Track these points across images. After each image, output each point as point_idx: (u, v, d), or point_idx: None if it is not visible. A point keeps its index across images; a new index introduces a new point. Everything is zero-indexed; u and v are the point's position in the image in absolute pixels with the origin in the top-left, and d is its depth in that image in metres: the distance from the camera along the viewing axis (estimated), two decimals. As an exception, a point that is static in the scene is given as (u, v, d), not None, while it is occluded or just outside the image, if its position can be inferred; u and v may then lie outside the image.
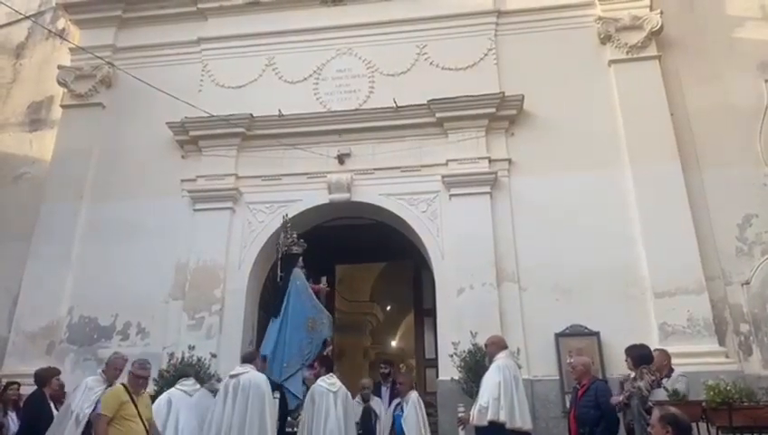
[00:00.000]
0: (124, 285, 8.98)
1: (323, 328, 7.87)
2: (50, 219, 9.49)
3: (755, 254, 8.15)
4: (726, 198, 8.38)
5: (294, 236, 8.38)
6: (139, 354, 8.44)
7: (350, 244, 10.63)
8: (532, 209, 8.61)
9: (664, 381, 5.92)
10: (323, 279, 8.52)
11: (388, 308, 19.09)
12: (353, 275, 15.94)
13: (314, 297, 8.03)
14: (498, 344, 6.66)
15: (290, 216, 8.79)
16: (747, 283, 8.01)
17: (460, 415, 6.44)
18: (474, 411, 6.17)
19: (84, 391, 6.14)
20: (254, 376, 6.17)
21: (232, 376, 6.25)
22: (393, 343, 20.41)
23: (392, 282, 16.04)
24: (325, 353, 7.56)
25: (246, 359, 6.52)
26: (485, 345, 6.79)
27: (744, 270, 8.10)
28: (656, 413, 4.00)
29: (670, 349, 7.18)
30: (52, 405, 6.65)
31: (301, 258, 8.25)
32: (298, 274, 8.03)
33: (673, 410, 4.06)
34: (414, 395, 7.38)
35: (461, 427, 6.40)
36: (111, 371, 6.38)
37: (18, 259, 9.36)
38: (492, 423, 5.99)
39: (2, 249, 9.63)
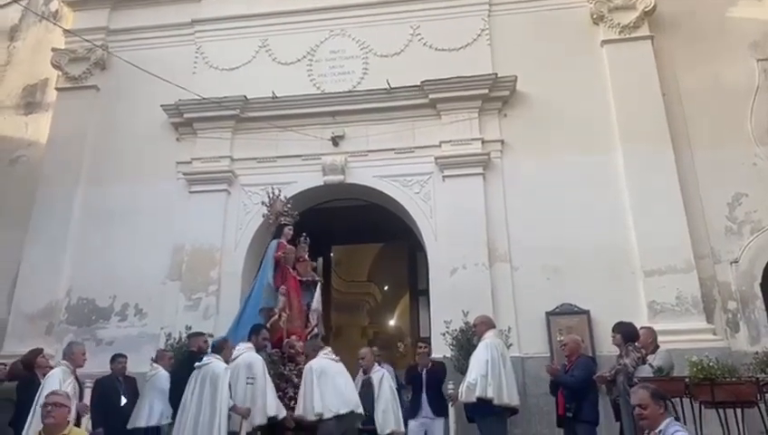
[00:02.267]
0: (121, 267, 9.08)
1: (262, 298, 7.43)
2: (47, 203, 9.55)
3: (744, 232, 8.25)
4: (717, 177, 8.47)
5: (288, 206, 8.09)
6: (137, 335, 8.72)
7: (345, 225, 10.72)
8: (524, 190, 8.70)
9: (649, 358, 6.04)
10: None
11: (386, 288, 19.21)
12: (351, 255, 16.04)
13: (269, 266, 7.60)
14: (486, 323, 6.80)
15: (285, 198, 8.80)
16: (736, 261, 8.12)
17: (449, 392, 6.57)
18: (462, 389, 6.29)
19: (60, 383, 6.05)
20: (215, 366, 6.08)
21: (197, 367, 6.22)
22: (391, 323, 20.56)
23: (390, 262, 16.15)
24: (267, 325, 7.09)
25: (215, 349, 6.46)
26: (474, 325, 6.92)
27: (734, 249, 8.20)
28: (643, 393, 3.93)
29: (659, 326, 7.33)
30: None
31: (288, 228, 7.88)
32: (272, 245, 7.73)
33: (655, 386, 4.15)
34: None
35: (450, 403, 6.53)
36: (79, 357, 6.45)
37: (16, 242, 9.43)
38: (480, 400, 6.13)
39: (0, 232, 9.69)
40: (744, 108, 8.75)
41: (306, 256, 8.12)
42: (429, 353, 7.73)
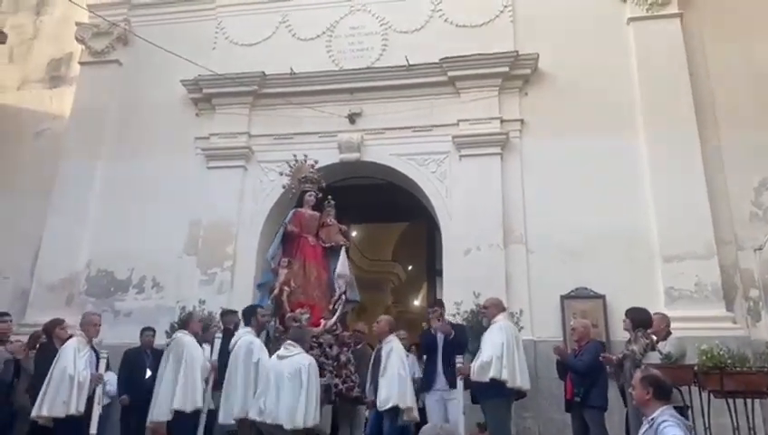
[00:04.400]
0: (140, 240, 9.19)
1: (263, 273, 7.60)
2: (69, 175, 9.69)
3: (771, 219, 7.97)
4: (744, 161, 8.16)
5: (312, 171, 7.96)
6: (154, 308, 8.86)
7: (362, 204, 10.61)
8: (542, 171, 8.53)
9: (660, 344, 5.90)
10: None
11: (410, 268, 19.17)
12: (376, 234, 16.00)
13: (275, 240, 7.69)
14: (498, 306, 6.67)
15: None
16: (760, 248, 7.84)
17: (459, 366, 6.48)
18: (474, 366, 6.17)
19: (75, 354, 6.27)
20: (179, 340, 6.36)
21: (167, 343, 6.53)
22: (416, 303, 20.57)
23: (414, 242, 16.04)
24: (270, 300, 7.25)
25: (180, 324, 6.71)
26: (484, 306, 6.77)
27: (758, 235, 7.90)
28: (637, 375, 4.02)
29: (676, 313, 7.18)
30: None
31: (308, 195, 7.84)
32: (288, 216, 7.76)
33: (654, 371, 4.06)
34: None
35: (459, 378, 6.43)
36: (91, 328, 6.56)
37: (40, 213, 9.59)
38: (493, 380, 6.03)
39: (24, 203, 9.87)
40: (776, 90, 8.39)
41: (330, 221, 7.99)
42: (442, 317, 7.03)
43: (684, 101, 8.37)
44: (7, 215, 9.88)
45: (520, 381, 6.21)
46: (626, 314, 6.27)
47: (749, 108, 8.37)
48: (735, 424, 5.31)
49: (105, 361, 6.54)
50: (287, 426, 5.43)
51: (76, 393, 6.04)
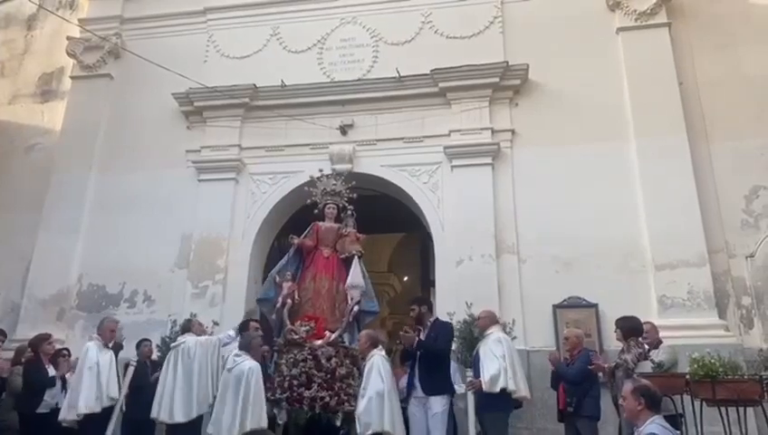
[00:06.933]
0: (131, 254, 9.15)
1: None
2: (60, 189, 9.67)
3: (762, 226, 7.96)
4: (734, 169, 8.18)
5: (334, 184, 8.07)
6: (146, 322, 8.82)
7: (356, 215, 10.61)
8: (534, 181, 8.53)
9: (652, 353, 5.89)
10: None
11: (406, 279, 19.12)
12: (371, 246, 15.85)
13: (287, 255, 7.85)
14: (491, 318, 6.66)
15: (292, 187, 8.88)
16: (752, 256, 7.85)
17: (469, 379, 6.46)
18: (485, 379, 6.13)
19: (98, 354, 6.53)
20: (190, 343, 6.51)
21: (172, 347, 6.61)
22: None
23: (410, 253, 16.01)
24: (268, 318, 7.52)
25: (184, 328, 6.86)
26: (478, 317, 6.74)
27: (749, 243, 7.92)
28: (628, 386, 3.99)
29: (669, 322, 7.26)
30: (51, 367, 7.05)
31: (327, 208, 7.96)
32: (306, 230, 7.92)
33: (645, 382, 4.05)
34: None
35: (471, 390, 6.38)
36: (107, 333, 6.79)
37: (31, 228, 9.55)
38: (502, 391, 6.05)
39: (16, 218, 9.85)
40: (765, 98, 8.40)
41: (346, 232, 7.97)
42: (421, 320, 6.83)
43: (673, 110, 8.40)
44: (-2, 229, 9.84)
45: (524, 390, 6.27)
46: (615, 324, 6.28)
47: (738, 116, 8.39)
48: (728, 433, 5.28)
49: (133, 368, 6.90)
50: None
51: (105, 389, 6.42)
